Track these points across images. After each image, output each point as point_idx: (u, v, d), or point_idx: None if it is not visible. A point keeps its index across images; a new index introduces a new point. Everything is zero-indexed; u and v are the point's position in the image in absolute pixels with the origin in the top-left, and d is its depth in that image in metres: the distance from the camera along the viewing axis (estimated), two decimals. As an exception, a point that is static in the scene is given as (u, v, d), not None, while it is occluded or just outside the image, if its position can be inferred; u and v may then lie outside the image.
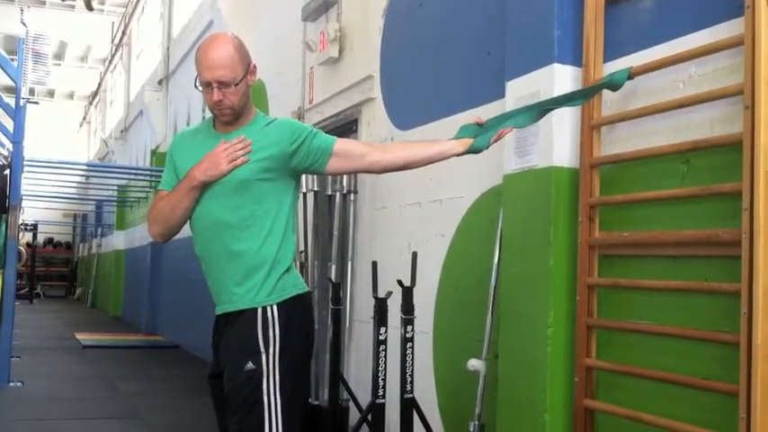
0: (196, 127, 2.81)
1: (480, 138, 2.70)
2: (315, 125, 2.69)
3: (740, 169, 2.55)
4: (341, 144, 2.62)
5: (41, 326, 14.55)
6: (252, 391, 2.47)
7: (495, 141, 2.73)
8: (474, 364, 3.70)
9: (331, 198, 5.77)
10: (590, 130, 3.22)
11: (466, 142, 2.69)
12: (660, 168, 2.96)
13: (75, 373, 8.64)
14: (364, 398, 4.52)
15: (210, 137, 2.64)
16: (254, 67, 2.61)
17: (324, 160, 2.59)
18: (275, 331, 2.50)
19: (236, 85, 2.51)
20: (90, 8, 15.50)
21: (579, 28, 3.30)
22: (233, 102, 2.53)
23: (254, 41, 7.50)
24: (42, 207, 20.39)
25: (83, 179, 20.28)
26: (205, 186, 2.55)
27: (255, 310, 2.51)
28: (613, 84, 2.98)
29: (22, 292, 21.23)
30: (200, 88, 2.55)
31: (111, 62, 22.40)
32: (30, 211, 18.39)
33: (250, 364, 2.48)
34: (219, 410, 2.63)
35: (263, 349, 2.49)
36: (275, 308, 2.52)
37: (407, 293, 4.11)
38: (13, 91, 8.11)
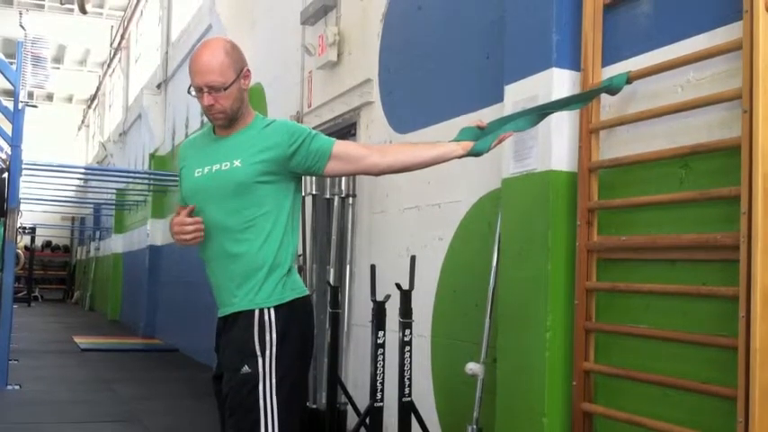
0: (199, 134, 2.81)
1: (481, 141, 2.70)
2: (313, 129, 2.70)
3: (738, 173, 2.55)
4: (340, 146, 2.61)
5: (39, 329, 14.53)
6: (248, 394, 2.47)
7: (496, 145, 2.73)
8: (472, 367, 3.70)
9: (330, 201, 5.77)
10: (588, 133, 3.23)
11: (466, 145, 2.69)
12: (658, 172, 2.96)
13: (72, 376, 8.63)
14: (362, 401, 4.52)
15: (210, 141, 2.66)
16: (248, 71, 2.61)
17: (323, 162, 2.59)
18: (272, 335, 2.50)
19: (225, 89, 2.52)
20: (84, 11, 15.45)
21: (578, 32, 3.31)
22: (224, 106, 2.54)
23: (252, 45, 7.52)
24: (41, 210, 20.36)
25: (81, 182, 20.27)
26: (204, 190, 2.57)
27: (253, 311, 2.52)
28: (612, 88, 2.98)
29: (20, 295, 21.23)
30: (194, 93, 2.56)
31: (109, 66, 22.41)
32: (28, 215, 18.37)
33: (246, 368, 2.48)
34: (222, 411, 2.64)
35: (259, 353, 2.48)
36: (272, 311, 2.52)
37: (406, 297, 4.11)
38: (12, 94, 8.10)
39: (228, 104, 2.54)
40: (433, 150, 2.68)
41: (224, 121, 2.58)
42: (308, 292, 2.66)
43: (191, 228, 2.51)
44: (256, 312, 2.51)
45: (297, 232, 2.65)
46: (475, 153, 2.70)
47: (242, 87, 2.58)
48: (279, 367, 2.48)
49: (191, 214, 2.53)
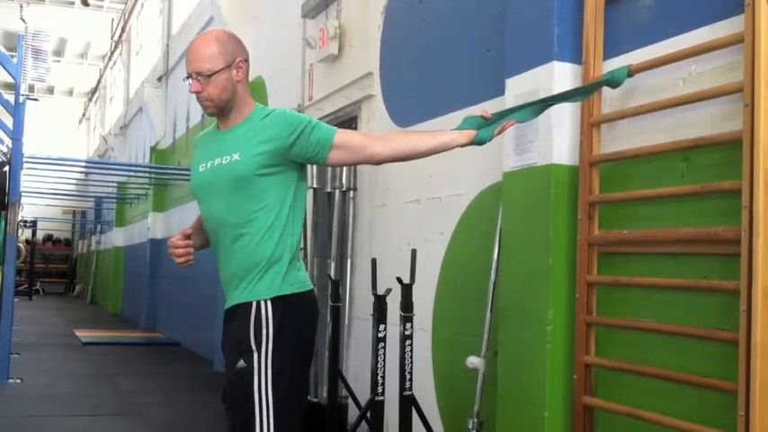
0: (209, 128, 2.81)
1: (484, 130, 2.68)
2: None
3: (740, 167, 2.55)
4: (342, 136, 2.60)
5: (41, 322, 14.55)
6: (243, 388, 2.47)
7: (499, 134, 2.72)
8: (473, 361, 3.70)
9: (330, 195, 5.77)
10: (590, 127, 3.22)
11: (469, 134, 2.67)
12: (660, 166, 2.96)
13: (74, 369, 8.65)
14: (363, 395, 4.52)
15: (214, 136, 2.68)
16: (242, 62, 2.60)
17: (324, 153, 2.57)
18: (268, 329, 2.49)
19: (209, 76, 2.53)
20: (86, 4, 15.48)
21: (579, 25, 3.30)
22: (211, 93, 2.55)
23: (254, 38, 7.51)
24: (42, 204, 20.35)
25: (82, 176, 20.24)
26: (208, 185, 2.59)
27: (250, 304, 2.52)
28: (613, 81, 2.98)
29: (22, 288, 21.22)
30: (189, 81, 2.59)
31: (110, 59, 22.39)
32: (29, 208, 18.37)
33: (242, 362, 2.48)
34: None
35: (254, 347, 2.48)
36: (269, 304, 2.51)
37: (407, 291, 4.11)
38: (13, 88, 8.10)
39: (216, 93, 2.55)
40: (436, 139, 2.67)
41: (213, 110, 2.60)
42: (310, 288, 2.63)
43: (181, 251, 2.59)
44: (253, 305, 2.51)
45: (299, 223, 2.63)
46: (478, 142, 2.68)
47: (233, 77, 2.57)
48: (275, 362, 2.47)
49: (187, 237, 2.60)
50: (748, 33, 2.55)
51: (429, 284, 4.45)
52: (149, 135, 14.44)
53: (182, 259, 2.60)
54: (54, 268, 28.62)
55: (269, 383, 2.46)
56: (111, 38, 21.71)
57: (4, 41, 19.31)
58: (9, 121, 7.97)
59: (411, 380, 4.07)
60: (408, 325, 4.07)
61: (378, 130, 5.27)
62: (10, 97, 8.09)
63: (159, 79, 14.00)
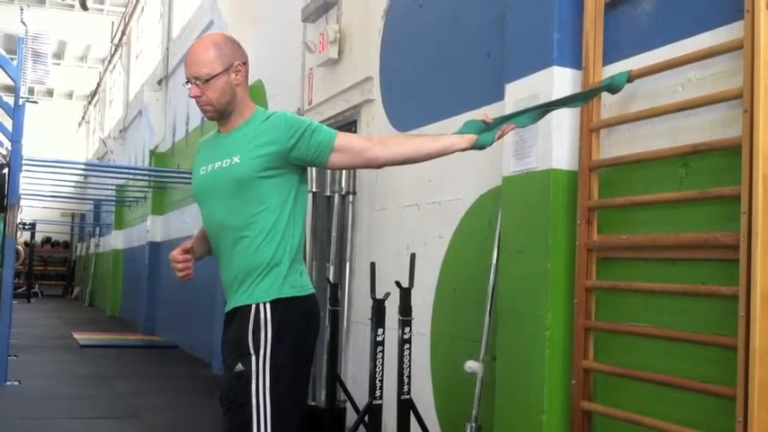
0: (211, 132, 2.81)
1: (485, 134, 2.68)
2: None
3: (739, 173, 2.55)
4: (342, 139, 2.60)
5: (39, 325, 14.53)
6: (240, 391, 2.46)
7: (499, 138, 2.72)
8: (471, 365, 3.70)
9: (330, 199, 5.77)
10: (589, 132, 3.23)
11: (470, 138, 2.67)
12: (659, 171, 2.96)
13: (72, 372, 8.63)
14: (361, 399, 4.52)
15: (215, 139, 2.69)
16: (241, 65, 2.60)
17: (324, 156, 2.57)
18: (267, 333, 2.48)
19: (207, 80, 2.53)
20: (84, 7, 15.48)
21: (579, 31, 3.31)
22: (210, 98, 2.56)
23: (253, 42, 7.52)
24: (41, 206, 20.37)
25: (81, 179, 20.27)
26: (209, 188, 2.60)
27: (249, 307, 2.51)
28: (613, 86, 2.98)
29: (20, 290, 21.22)
30: (188, 86, 2.60)
31: (110, 62, 22.42)
32: (28, 211, 18.37)
33: (240, 366, 2.48)
34: None
35: (252, 351, 2.47)
36: (268, 306, 2.50)
37: (405, 295, 4.12)
38: (13, 90, 8.10)
39: (215, 97, 2.56)
40: (437, 142, 2.66)
41: (213, 114, 2.60)
42: (311, 292, 2.62)
43: (180, 265, 2.62)
44: (252, 308, 2.51)
45: (300, 226, 2.62)
46: (479, 146, 2.68)
47: (232, 81, 2.58)
48: (273, 365, 2.47)
49: (186, 251, 2.62)
50: (748, 39, 2.56)
51: (428, 288, 4.45)
52: (149, 138, 14.44)
53: (182, 273, 2.64)
54: (53, 271, 28.62)
55: (267, 387, 2.45)
56: (112, 41, 21.73)
57: (5, 44, 19.35)
58: (8, 124, 7.97)
59: (409, 384, 4.07)
60: (407, 329, 4.07)
61: (377, 135, 5.27)
62: (10, 100, 8.10)
63: (159, 82, 14.01)
